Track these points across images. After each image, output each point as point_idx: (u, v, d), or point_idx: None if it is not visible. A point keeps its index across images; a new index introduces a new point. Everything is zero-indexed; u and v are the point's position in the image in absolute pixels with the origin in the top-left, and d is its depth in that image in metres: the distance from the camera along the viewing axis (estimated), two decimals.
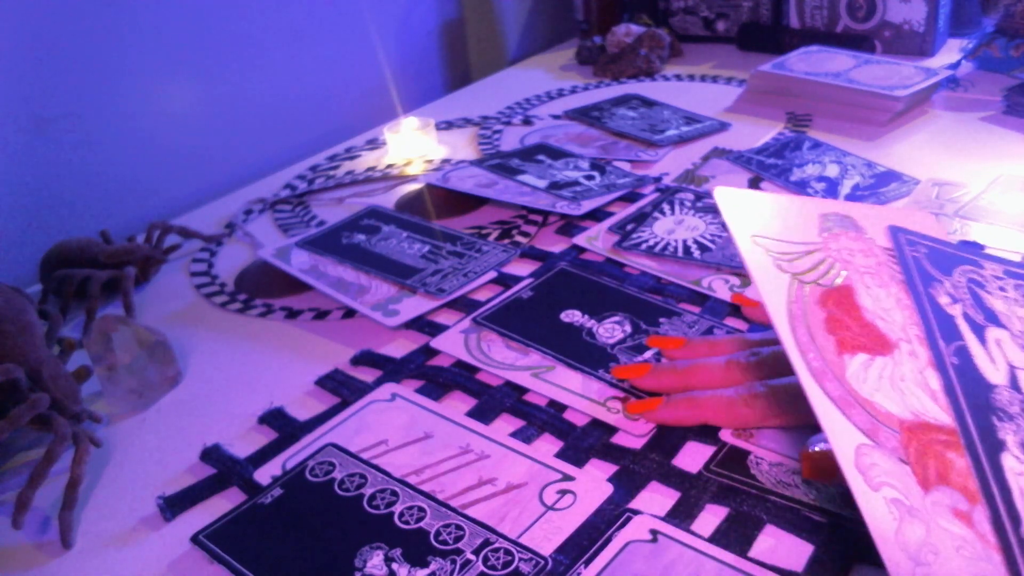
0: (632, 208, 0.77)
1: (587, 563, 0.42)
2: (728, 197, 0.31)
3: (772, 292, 0.29)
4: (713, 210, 0.74)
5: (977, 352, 0.27)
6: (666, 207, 0.75)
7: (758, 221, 0.31)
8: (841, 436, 0.26)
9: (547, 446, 0.51)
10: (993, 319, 0.27)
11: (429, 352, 0.60)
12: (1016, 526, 0.23)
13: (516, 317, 0.62)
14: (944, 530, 0.24)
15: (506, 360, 0.58)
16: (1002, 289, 0.28)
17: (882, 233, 0.33)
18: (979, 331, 0.27)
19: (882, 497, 0.25)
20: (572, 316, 0.61)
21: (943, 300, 0.28)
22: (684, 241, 0.70)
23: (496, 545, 0.43)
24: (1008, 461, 0.25)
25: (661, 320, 0.60)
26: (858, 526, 0.42)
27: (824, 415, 0.27)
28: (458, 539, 0.44)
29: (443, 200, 0.82)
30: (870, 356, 0.28)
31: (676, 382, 0.51)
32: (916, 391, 0.27)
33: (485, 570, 0.42)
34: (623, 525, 0.44)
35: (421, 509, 0.46)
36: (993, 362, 0.27)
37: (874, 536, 0.25)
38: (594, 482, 0.47)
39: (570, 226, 0.76)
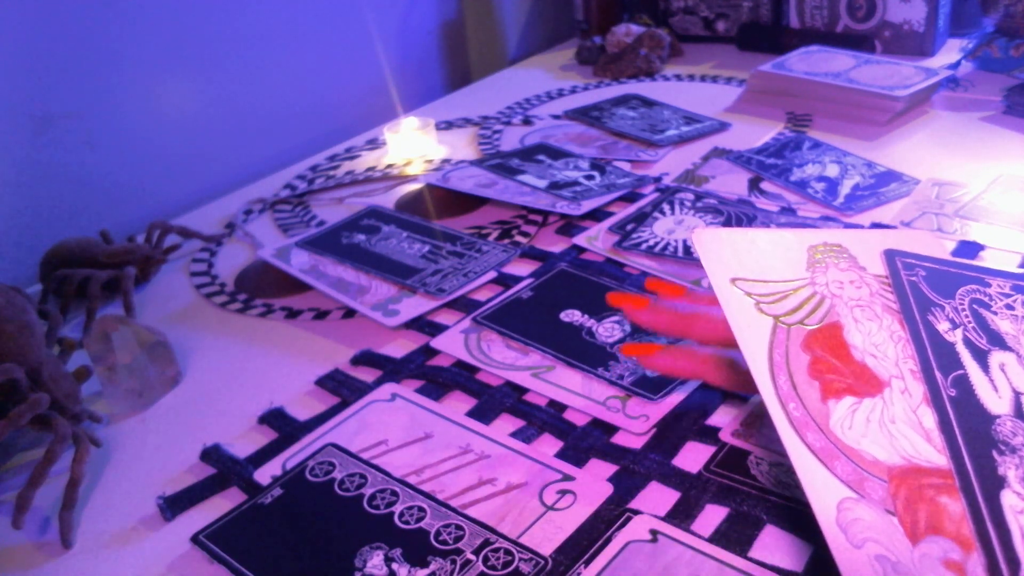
0: (632, 208, 0.77)
1: (587, 563, 0.42)
2: (707, 240, 0.30)
3: (752, 339, 0.27)
4: (713, 210, 0.74)
5: (978, 380, 0.25)
6: (666, 207, 0.75)
7: (739, 263, 0.30)
8: (823, 492, 0.25)
9: (547, 446, 0.51)
10: (998, 342, 0.26)
11: (429, 352, 0.60)
12: (1015, 571, 0.22)
13: (516, 317, 0.62)
14: None
15: (506, 360, 0.58)
16: (1009, 307, 0.27)
17: (877, 259, 0.31)
18: (982, 357, 0.26)
19: (865, 554, 0.23)
20: (572, 316, 0.61)
21: (942, 327, 0.26)
22: (684, 241, 0.70)
23: (496, 545, 0.43)
24: (1008, 499, 0.23)
25: None
26: None
27: (804, 470, 0.25)
28: (458, 539, 0.44)
29: (443, 200, 0.82)
30: (857, 399, 0.27)
31: (675, 325, 0.46)
32: (908, 432, 0.26)
33: (485, 570, 0.42)
34: (623, 525, 0.44)
35: (421, 509, 0.46)
36: (996, 390, 0.25)
37: None
38: (594, 482, 0.47)
39: (570, 226, 0.76)
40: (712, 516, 0.45)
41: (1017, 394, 0.25)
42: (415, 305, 0.65)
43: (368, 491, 0.47)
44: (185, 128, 0.95)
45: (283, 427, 0.54)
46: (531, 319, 0.61)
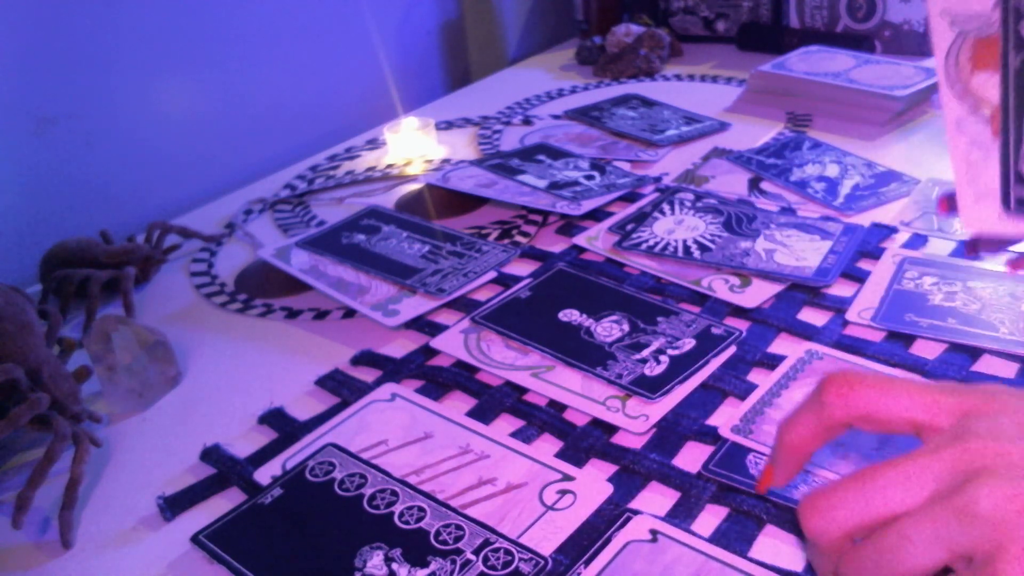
0: (632, 208, 0.77)
1: (587, 563, 0.42)
2: None
3: (941, 41, 0.39)
4: (713, 210, 0.74)
5: None
6: (666, 207, 0.75)
7: (951, 1, 0.41)
8: (951, 108, 0.39)
9: (547, 446, 0.51)
10: None
11: (429, 352, 0.60)
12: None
13: (514, 316, 0.62)
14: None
15: (506, 360, 0.58)
16: None
17: None
18: None
19: (963, 138, 0.40)
20: (570, 315, 0.61)
21: None
22: (684, 241, 0.70)
23: (496, 545, 0.43)
24: None
25: (659, 319, 0.60)
26: None
27: (945, 96, 0.39)
28: (458, 539, 0.44)
29: (443, 200, 0.82)
30: (992, 73, 0.39)
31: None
32: None
33: (485, 570, 0.42)
34: (623, 525, 0.44)
35: (421, 509, 0.46)
36: None
37: (951, 153, 0.40)
38: (594, 482, 0.47)
39: (570, 226, 0.76)
40: (712, 516, 0.45)
41: None
42: (415, 305, 0.65)
43: (368, 491, 0.47)
44: (185, 128, 0.95)
45: (283, 427, 0.54)
46: (529, 319, 0.61)
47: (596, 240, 0.72)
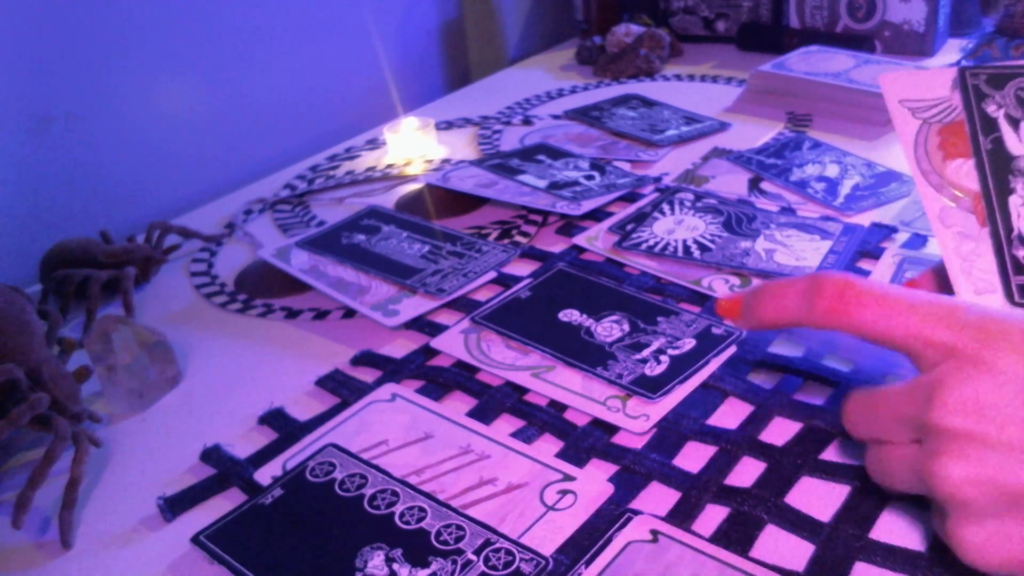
0: (632, 208, 0.77)
1: (588, 563, 0.42)
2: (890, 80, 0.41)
3: (906, 132, 0.39)
4: (713, 210, 0.74)
5: (1009, 137, 0.37)
6: (666, 207, 0.75)
7: (907, 91, 0.40)
8: (930, 201, 0.38)
9: (547, 446, 0.51)
10: None
11: (429, 352, 0.60)
12: (1008, 234, 0.36)
13: (514, 316, 0.62)
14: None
15: (506, 360, 0.58)
16: None
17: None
18: (1015, 123, 0.37)
19: (950, 232, 0.37)
20: (570, 315, 0.61)
21: (990, 108, 0.38)
22: (684, 241, 0.70)
23: (497, 545, 0.43)
24: (1013, 200, 0.36)
25: (659, 319, 0.60)
26: (858, 527, 0.42)
27: (923, 188, 0.38)
28: (459, 539, 0.44)
29: (443, 200, 0.82)
30: (965, 160, 0.39)
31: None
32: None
33: (486, 570, 0.42)
34: (624, 525, 0.44)
35: (422, 509, 0.46)
36: (1020, 142, 0.37)
37: (941, 248, 0.37)
38: (595, 482, 0.47)
39: (570, 226, 0.76)
40: (713, 516, 0.45)
41: None
42: (415, 305, 0.65)
43: (369, 491, 0.47)
44: (185, 128, 0.95)
45: (283, 427, 0.54)
46: (529, 319, 0.61)
47: (596, 240, 0.72)
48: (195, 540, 0.46)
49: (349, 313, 0.66)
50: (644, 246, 0.70)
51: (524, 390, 0.55)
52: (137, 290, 0.74)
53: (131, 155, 0.90)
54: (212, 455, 0.52)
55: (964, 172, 0.37)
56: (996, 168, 0.36)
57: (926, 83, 0.39)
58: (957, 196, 0.37)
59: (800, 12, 1.18)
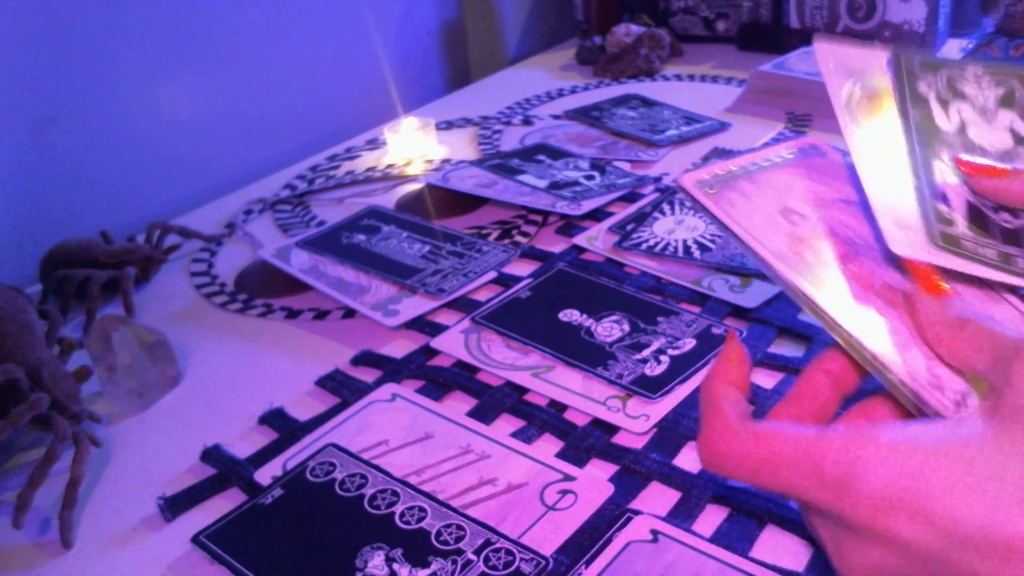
0: (632, 208, 0.77)
1: (588, 563, 0.42)
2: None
3: (835, 90, 0.37)
4: None
5: (938, 114, 0.37)
6: (666, 207, 0.75)
7: (841, 61, 0.40)
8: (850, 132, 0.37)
9: (548, 446, 0.51)
10: (960, 97, 0.37)
11: (429, 352, 0.60)
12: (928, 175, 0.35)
13: (514, 316, 0.62)
14: None
15: (506, 360, 0.58)
16: (976, 79, 0.38)
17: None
18: (944, 104, 0.37)
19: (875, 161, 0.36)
20: (570, 315, 0.61)
21: (922, 87, 0.37)
22: (684, 241, 0.70)
23: (497, 545, 0.43)
24: (937, 163, 0.36)
25: (659, 319, 0.60)
26: None
27: (847, 130, 0.36)
28: (459, 539, 0.44)
29: (443, 200, 0.82)
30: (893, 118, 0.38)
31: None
32: None
33: (486, 570, 0.42)
34: (624, 525, 0.44)
35: (422, 509, 0.46)
36: (948, 120, 0.37)
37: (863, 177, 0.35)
38: (595, 482, 0.47)
39: (570, 226, 0.76)
40: (713, 516, 0.45)
41: (963, 123, 0.37)
42: (415, 305, 0.65)
43: (369, 491, 0.47)
44: (185, 128, 0.95)
45: (283, 427, 0.54)
46: (529, 319, 0.61)
47: (596, 240, 0.72)
48: (195, 540, 0.46)
49: (349, 313, 0.66)
50: (644, 246, 0.70)
51: (524, 390, 0.55)
52: (137, 290, 0.74)
53: (131, 155, 0.89)
54: (212, 455, 0.52)
55: (891, 129, 0.37)
56: (922, 135, 0.36)
57: (861, 59, 0.38)
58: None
59: (800, 12, 1.18)
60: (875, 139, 0.36)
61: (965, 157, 0.35)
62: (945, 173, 0.35)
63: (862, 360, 0.31)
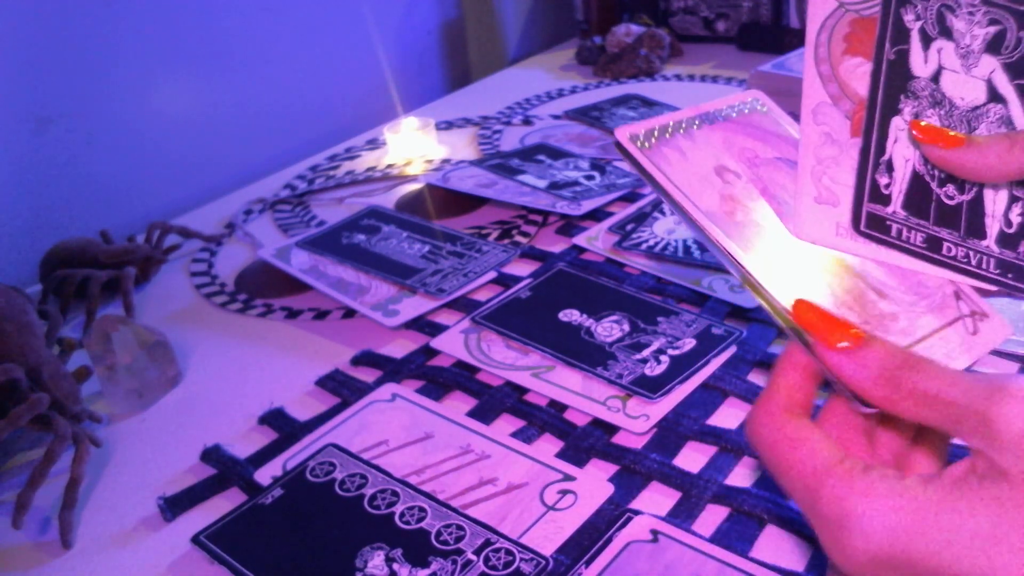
0: (632, 208, 0.77)
1: (588, 563, 0.42)
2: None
3: (818, 13, 0.35)
4: None
5: (916, 55, 0.33)
6: (666, 207, 0.75)
7: None
8: (811, 92, 0.35)
9: (548, 446, 0.51)
10: (946, 34, 0.33)
11: (429, 352, 0.60)
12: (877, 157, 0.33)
13: (514, 316, 0.62)
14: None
15: (506, 360, 0.58)
16: (971, 14, 0.33)
17: None
18: (927, 42, 0.33)
19: (817, 130, 0.35)
20: (570, 315, 0.61)
21: (908, 17, 0.34)
22: (684, 241, 0.70)
23: (497, 545, 0.43)
24: (896, 121, 0.33)
25: (659, 319, 0.60)
26: None
27: (809, 75, 0.35)
28: (459, 539, 0.44)
29: (443, 200, 0.82)
30: (864, 60, 0.35)
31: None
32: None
33: (486, 570, 0.42)
34: (624, 525, 0.44)
35: (422, 509, 0.46)
36: (925, 63, 0.33)
37: (800, 143, 0.35)
38: (595, 482, 0.47)
39: (570, 226, 0.76)
40: (713, 516, 0.45)
41: (940, 68, 0.33)
42: (415, 305, 0.65)
43: (369, 491, 0.47)
44: (185, 128, 0.95)
45: (283, 427, 0.54)
46: (529, 319, 0.61)
47: (596, 240, 0.72)
48: (195, 540, 0.46)
49: (349, 313, 0.66)
50: (644, 246, 0.70)
51: (524, 390, 0.55)
52: (137, 290, 0.74)
53: (131, 155, 0.89)
54: (212, 455, 0.52)
55: (858, 73, 0.34)
56: (891, 82, 0.33)
57: None
58: (840, 96, 0.35)
59: (800, 12, 1.18)
60: (838, 84, 0.35)
61: (923, 122, 0.33)
62: (900, 133, 0.33)
63: (786, 325, 0.30)
